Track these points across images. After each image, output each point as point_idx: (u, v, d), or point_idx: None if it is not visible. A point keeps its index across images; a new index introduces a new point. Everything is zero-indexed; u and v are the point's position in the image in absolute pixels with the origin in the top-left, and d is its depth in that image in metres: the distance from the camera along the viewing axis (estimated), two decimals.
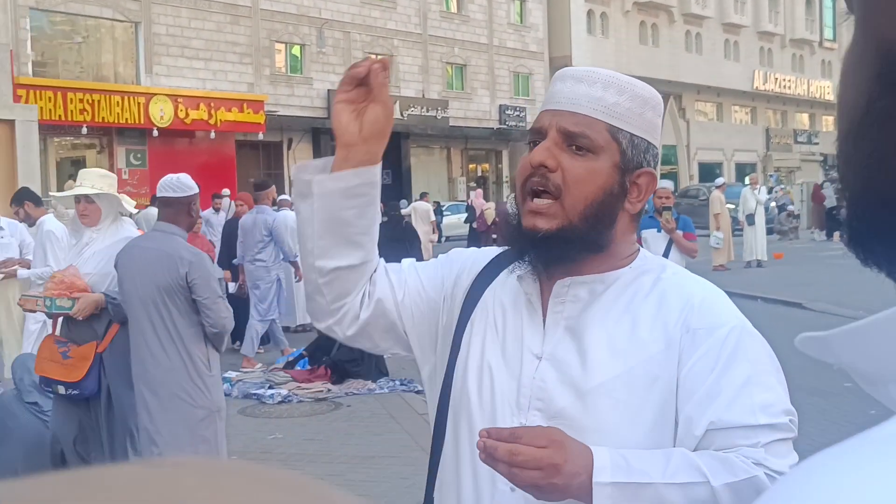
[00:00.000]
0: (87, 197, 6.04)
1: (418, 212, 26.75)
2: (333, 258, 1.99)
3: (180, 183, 5.74)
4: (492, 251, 2.13)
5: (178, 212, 5.71)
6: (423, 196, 29.56)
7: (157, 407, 5.62)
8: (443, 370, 2.04)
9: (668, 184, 10.62)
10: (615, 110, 1.86)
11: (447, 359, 2.03)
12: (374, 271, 2.10)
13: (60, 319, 6.10)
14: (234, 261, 12.70)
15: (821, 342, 0.59)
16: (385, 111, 1.93)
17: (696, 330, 1.81)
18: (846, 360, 0.59)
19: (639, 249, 1.98)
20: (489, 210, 25.85)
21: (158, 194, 5.89)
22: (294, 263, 12.40)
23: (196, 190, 5.80)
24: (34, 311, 6.58)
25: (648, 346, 1.82)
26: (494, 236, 24.78)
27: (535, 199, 1.85)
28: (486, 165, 49.64)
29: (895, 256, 0.63)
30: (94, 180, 6.15)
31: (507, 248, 2.05)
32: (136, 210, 6.90)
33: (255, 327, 12.16)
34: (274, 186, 13.45)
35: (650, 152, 1.91)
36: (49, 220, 9.08)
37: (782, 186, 41.92)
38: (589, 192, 1.83)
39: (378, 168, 1.97)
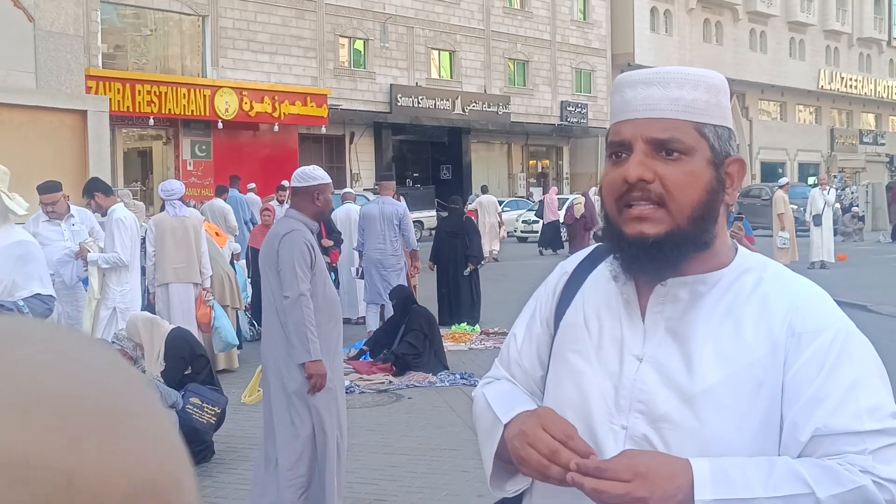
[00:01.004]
0: None
1: (484, 205, 27.09)
2: None
3: (305, 174, 6.00)
4: (575, 259, 2.11)
5: (302, 199, 5.94)
6: (483, 190, 29.76)
7: (264, 380, 5.96)
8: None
9: None
10: (695, 106, 1.81)
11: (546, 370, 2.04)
12: None
13: None
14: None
15: None
16: None
17: (802, 333, 1.77)
18: None
19: (737, 247, 1.93)
20: (579, 204, 25.83)
21: (291, 184, 6.15)
22: (360, 253, 13.08)
23: (321, 180, 5.97)
24: None
25: (753, 350, 1.78)
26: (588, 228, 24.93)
27: (636, 206, 1.80)
28: (547, 162, 49.53)
29: None
30: None
31: (590, 250, 2.04)
32: (25, 212, 6.03)
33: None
34: (394, 181, 14.02)
35: (732, 138, 1.87)
36: (120, 209, 9.24)
37: (865, 184, 41.10)
38: (694, 195, 1.79)
39: None
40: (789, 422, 1.73)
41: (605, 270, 1.94)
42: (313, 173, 5.99)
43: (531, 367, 2.08)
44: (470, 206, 27.85)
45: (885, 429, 1.69)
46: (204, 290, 10.17)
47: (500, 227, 27.37)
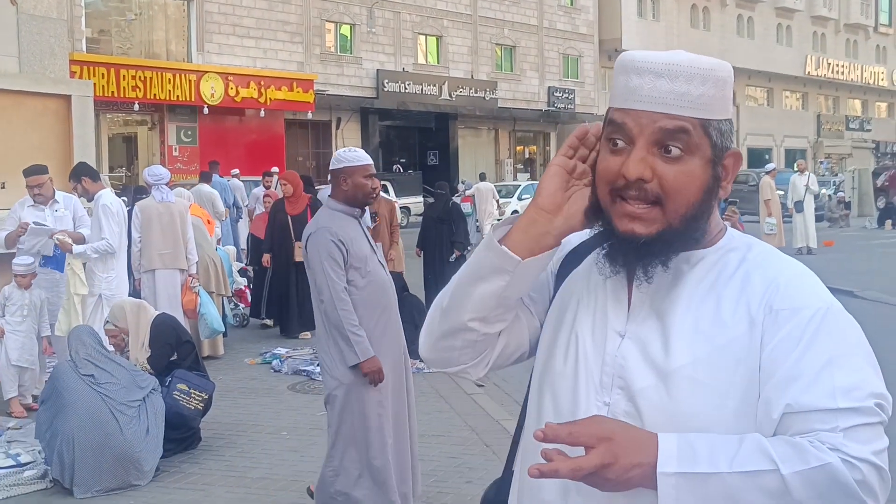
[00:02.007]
0: None
1: (482, 191, 27.57)
2: (494, 325, 1.95)
3: (336, 156, 5.69)
4: (581, 235, 2.05)
5: (334, 184, 5.66)
6: (482, 177, 30.00)
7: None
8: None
9: None
10: (701, 101, 1.76)
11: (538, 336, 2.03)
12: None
13: None
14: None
15: None
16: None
17: (780, 311, 1.74)
18: None
19: (725, 227, 1.92)
20: None
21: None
22: None
23: (347, 163, 5.58)
24: None
25: (731, 328, 1.76)
26: None
27: (631, 202, 1.78)
28: (534, 147, 49.53)
29: None
30: None
31: (596, 233, 1.98)
32: None
33: None
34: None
35: (731, 130, 1.84)
36: (106, 195, 9.16)
37: (851, 170, 41.21)
38: (690, 196, 1.77)
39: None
40: (763, 399, 1.71)
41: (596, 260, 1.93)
42: (341, 155, 5.68)
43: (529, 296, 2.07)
44: (467, 193, 28.08)
45: (860, 407, 1.66)
46: (190, 276, 10.11)
47: (496, 212, 27.66)
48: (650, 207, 1.77)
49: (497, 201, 28.32)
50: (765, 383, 1.72)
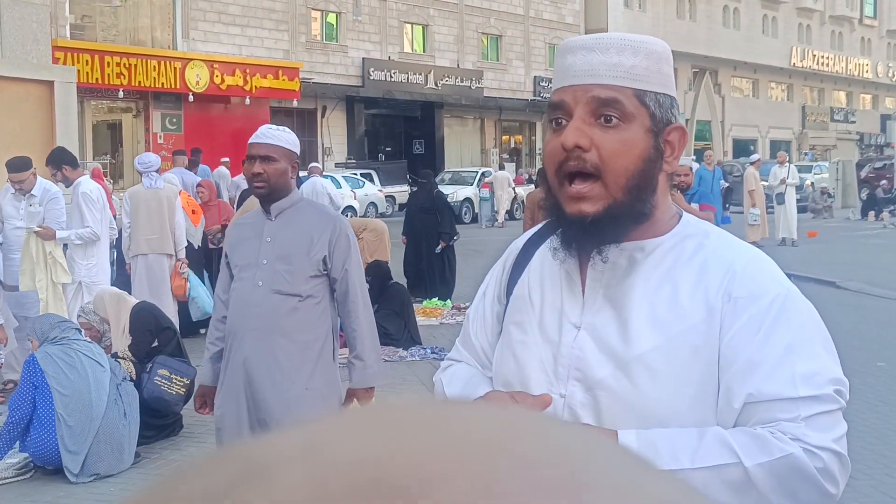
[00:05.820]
0: None
1: (499, 179, 30.05)
2: None
3: None
4: (526, 235, 2.10)
5: None
6: (501, 166, 32.99)
7: None
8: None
9: (686, 161, 10.46)
10: (635, 72, 1.78)
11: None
12: None
13: None
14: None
15: None
16: None
17: (738, 298, 1.75)
18: None
19: (681, 214, 1.91)
20: None
21: None
22: None
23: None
24: None
25: (689, 316, 1.76)
26: None
27: (574, 183, 1.78)
28: (520, 137, 49.51)
29: None
30: None
31: (540, 226, 2.02)
32: None
33: None
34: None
35: (674, 106, 1.85)
36: (85, 182, 9.14)
37: (835, 161, 41.34)
38: (628, 163, 1.77)
39: None
40: (724, 388, 1.72)
41: (550, 248, 1.94)
42: None
43: (486, 343, 2.09)
44: (486, 180, 30.56)
45: (820, 395, 1.68)
46: (178, 260, 10.16)
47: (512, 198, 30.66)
48: (592, 184, 1.77)
49: (513, 189, 30.60)
50: (725, 372, 1.73)
